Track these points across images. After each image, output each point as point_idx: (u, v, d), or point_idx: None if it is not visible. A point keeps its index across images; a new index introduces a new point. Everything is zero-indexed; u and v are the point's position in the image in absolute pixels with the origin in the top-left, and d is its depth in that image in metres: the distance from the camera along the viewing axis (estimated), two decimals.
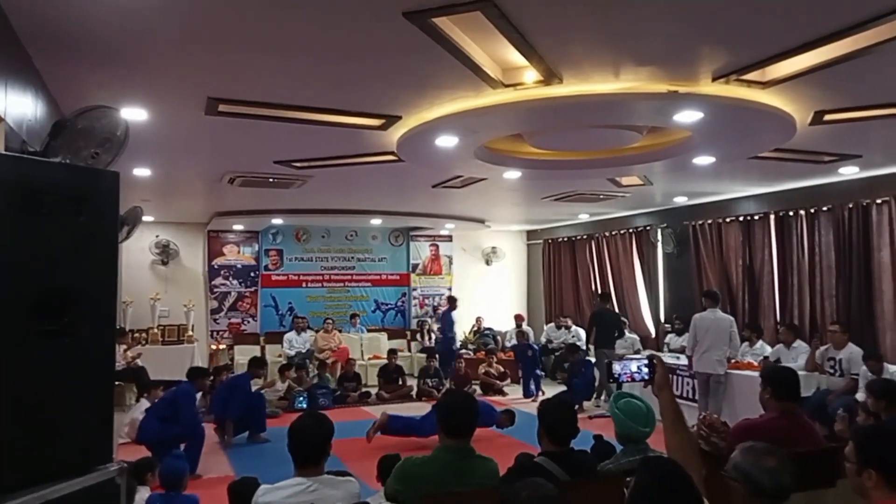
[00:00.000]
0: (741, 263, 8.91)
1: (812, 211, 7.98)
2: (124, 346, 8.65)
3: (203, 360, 10.45)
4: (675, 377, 7.73)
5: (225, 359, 10.83)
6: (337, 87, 4.14)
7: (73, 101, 3.85)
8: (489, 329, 12.61)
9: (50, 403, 2.03)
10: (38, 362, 1.99)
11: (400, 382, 9.98)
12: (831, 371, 6.58)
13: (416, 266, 13.03)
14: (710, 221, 9.40)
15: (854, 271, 7.44)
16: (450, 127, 4.87)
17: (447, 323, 11.00)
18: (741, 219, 8.90)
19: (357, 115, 4.77)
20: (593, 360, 9.20)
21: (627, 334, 10.04)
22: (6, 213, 1.94)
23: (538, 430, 2.83)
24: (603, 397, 8.77)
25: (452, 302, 11.21)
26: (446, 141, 5.23)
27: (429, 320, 12.49)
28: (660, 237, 10.26)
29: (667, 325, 10.10)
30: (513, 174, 6.88)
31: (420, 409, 7.88)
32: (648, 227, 10.57)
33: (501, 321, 12.82)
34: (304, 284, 12.25)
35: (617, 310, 10.70)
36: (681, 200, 9.54)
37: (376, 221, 11.65)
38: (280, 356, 10.58)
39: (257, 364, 7.83)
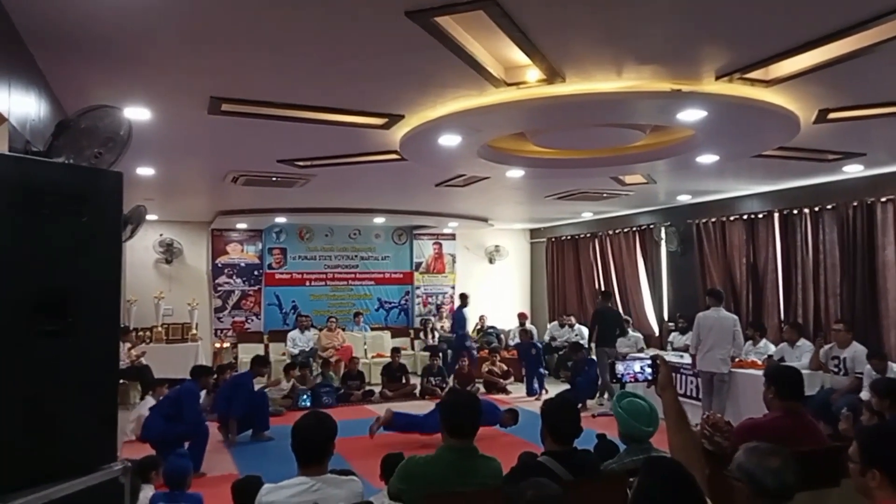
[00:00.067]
0: (745, 262, 8.88)
1: (816, 209, 7.95)
2: (128, 345, 8.67)
3: (207, 358, 10.47)
4: (678, 376, 7.71)
5: (228, 357, 10.86)
6: (340, 87, 4.14)
7: (77, 100, 3.86)
8: (492, 327, 12.59)
9: (52, 403, 2.03)
10: (39, 362, 2.00)
11: (403, 381, 9.98)
12: (835, 370, 6.55)
13: (419, 264, 13.04)
14: (713, 220, 9.37)
15: (858, 270, 7.41)
16: (453, 126, 4.87)
17: (459, 320, 10.95)
18: (745, 217, 8.87)
19: (360, 115, 4.77)
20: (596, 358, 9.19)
21: (631, 333, 10.03)
22: (7, 213, 1.94)
23: (541, 429, 2.83)
24: (605, 396, 8.77)
25: (464, 299, 11.17)
26: (449, 140, 5.23)
27: (432, 318, 12.49)
28: (663, 235, 10.22)
29: (670, 324, 10.08)
30: (516, 173, 6.87)
31: (423, 407, 7.87)
32: (652, 226, 10.54)
33: (505, 319, 12.80)
34: (307, 283, 12.25)
35: (620, 308, 10.72)
36: (684, 199, 9.52)
37: (379, 220, 11.66)
38: (284, 355, 10.60)
39: (260, 363, 7.86)
